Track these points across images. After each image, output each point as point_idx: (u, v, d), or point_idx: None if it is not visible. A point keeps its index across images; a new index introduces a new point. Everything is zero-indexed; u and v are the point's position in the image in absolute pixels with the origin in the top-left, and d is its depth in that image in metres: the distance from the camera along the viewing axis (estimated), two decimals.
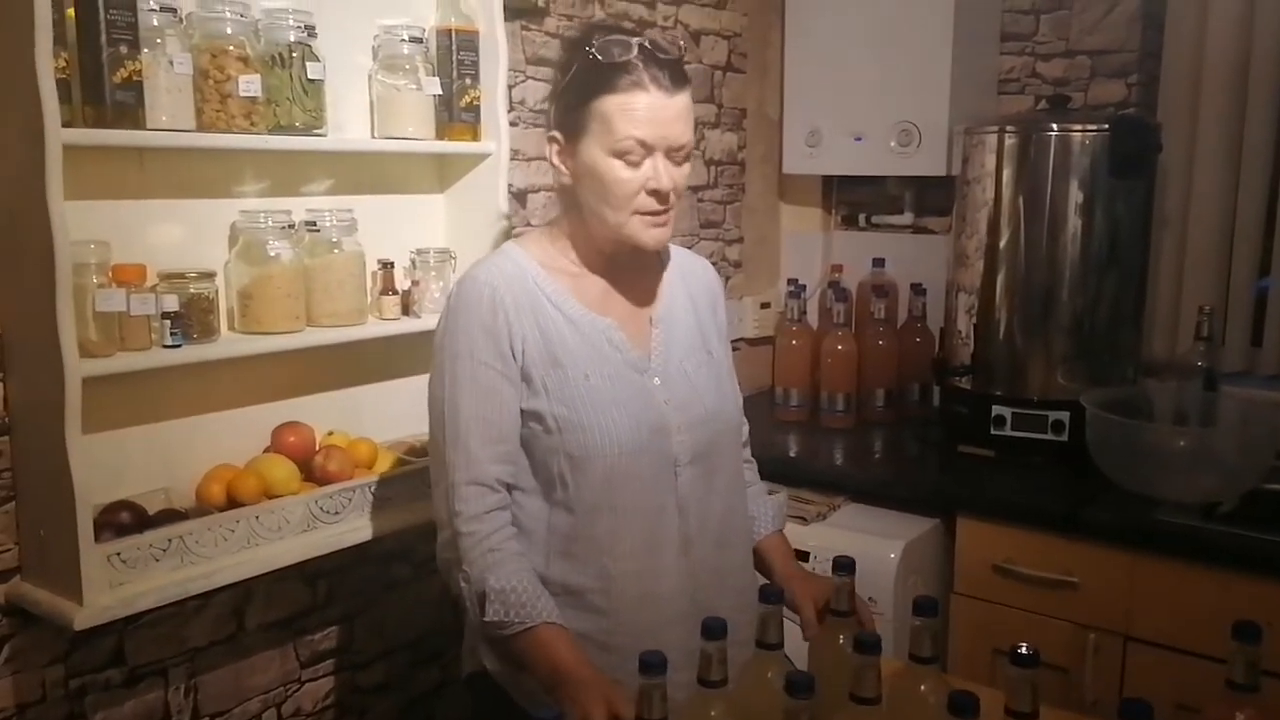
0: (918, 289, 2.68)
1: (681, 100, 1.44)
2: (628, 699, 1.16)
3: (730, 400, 1.64)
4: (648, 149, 1.42)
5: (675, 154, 1.45)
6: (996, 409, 2.27)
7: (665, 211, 1.46)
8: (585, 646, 1.39)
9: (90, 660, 1.63)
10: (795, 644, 1.34)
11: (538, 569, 1.43)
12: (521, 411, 1.44)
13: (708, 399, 1.56)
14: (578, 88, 1.44)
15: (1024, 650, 1.12)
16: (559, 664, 1.32)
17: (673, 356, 1.55)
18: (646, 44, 1.42)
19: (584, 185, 1.47)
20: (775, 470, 2.40)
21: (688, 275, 1.66)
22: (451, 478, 1.41)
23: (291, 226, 1.70)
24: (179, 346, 1.51)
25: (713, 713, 1.12)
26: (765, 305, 2.96)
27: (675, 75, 1.44)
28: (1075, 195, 2.22)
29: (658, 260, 1.62)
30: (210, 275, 1.59)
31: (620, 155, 1.42)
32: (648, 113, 1.40)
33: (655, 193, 1.44)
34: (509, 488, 1.45)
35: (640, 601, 1.47)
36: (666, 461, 1.49)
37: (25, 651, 1.55)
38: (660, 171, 1.43)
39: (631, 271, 1.56)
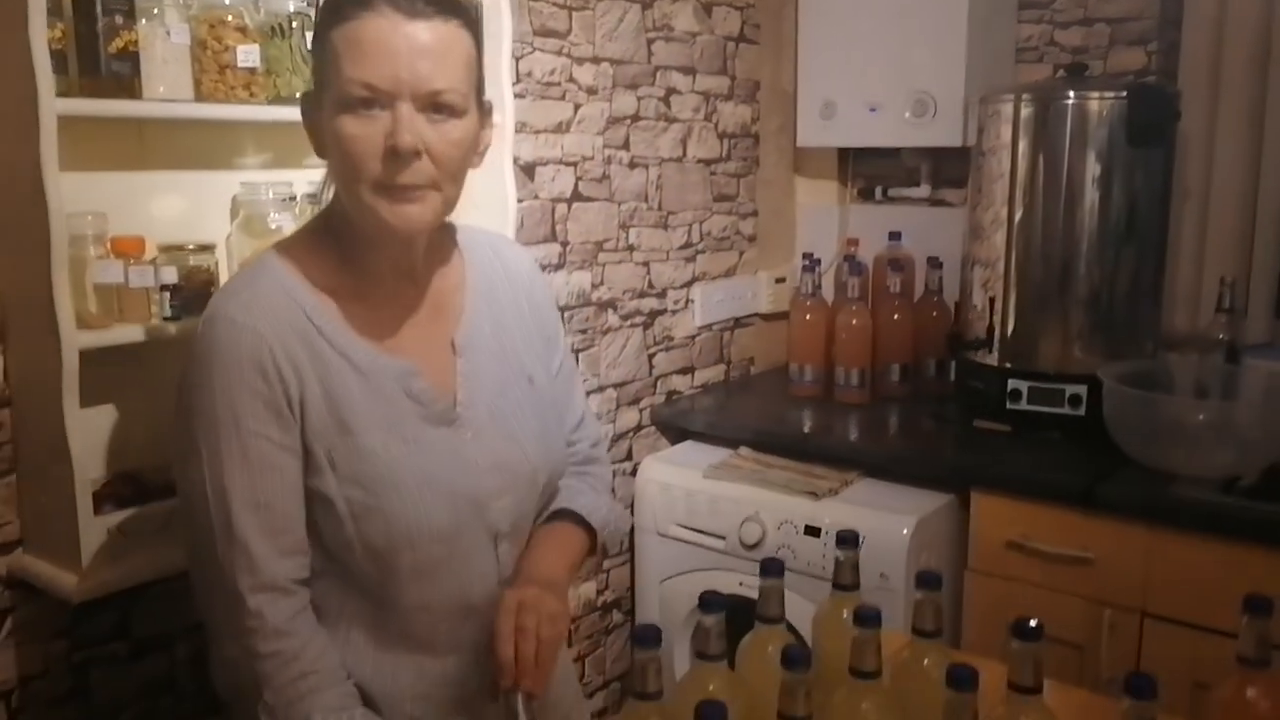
0: (934, 263, 2.64)
1: (438, 29, 1.08)
2: None
3: (558, 444, 1.32)
4: (384, 96, 1.06)
5: (430, 102, 1.08)
6: (1013, 383, 2.24)
7: (415, 186, 1.10)
8: None
9: (94, 633, 1.63)
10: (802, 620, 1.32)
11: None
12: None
13: (531, 450, 1.24)
14: (317, 25, 1.14)
15: (1027, 623, 1.10)
16: None
17: (483, 396, 1.22)
18: None
19: (330, 157, 1.13)
20: (788, 446, 2.39)
21: (491, 275, 1.29)
22: (233, 586, 1.09)
23: (293, 199, 1.69)
24: (178, 319, 1.50)
25: (711, 686, 1.10)
26: (780, 280, 2.93)
27: None
28: (1093, 165, 2.18)
29: (452, 258, 1.27)
30: (210, 248, 1.58)
31: (348, 107, 1.07)
32: (378, 45, 1.05)
33: (393, 153, 1.07)
34: (304, 583, 1.15)
35: (466, 701, 1.21)
36: (486, 537, 1.21)
37: (28, 625, 1.55)
38: (401, 124, 1.06)
39: (418, 281, 1.22)
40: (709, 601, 1.15)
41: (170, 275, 1.50)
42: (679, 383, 2.70)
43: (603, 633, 2.58)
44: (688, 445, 2.59)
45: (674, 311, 2.65)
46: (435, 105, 1.09)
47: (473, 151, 1.17)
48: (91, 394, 1.44)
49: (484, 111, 1.19)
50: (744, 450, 2.45)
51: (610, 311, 2.47)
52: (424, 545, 1.15)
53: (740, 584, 2.18)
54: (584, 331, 2.40)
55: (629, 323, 2.53)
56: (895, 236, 2.69)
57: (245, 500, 1.09)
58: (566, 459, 1.35)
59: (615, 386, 2.51)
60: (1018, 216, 2.26)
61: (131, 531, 1.47)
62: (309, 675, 1.10)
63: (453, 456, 1.18)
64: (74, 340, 1.38)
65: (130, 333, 1.47)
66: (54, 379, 1.38)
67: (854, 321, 2.57)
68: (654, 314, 2.60)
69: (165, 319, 1.50)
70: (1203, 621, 1.84)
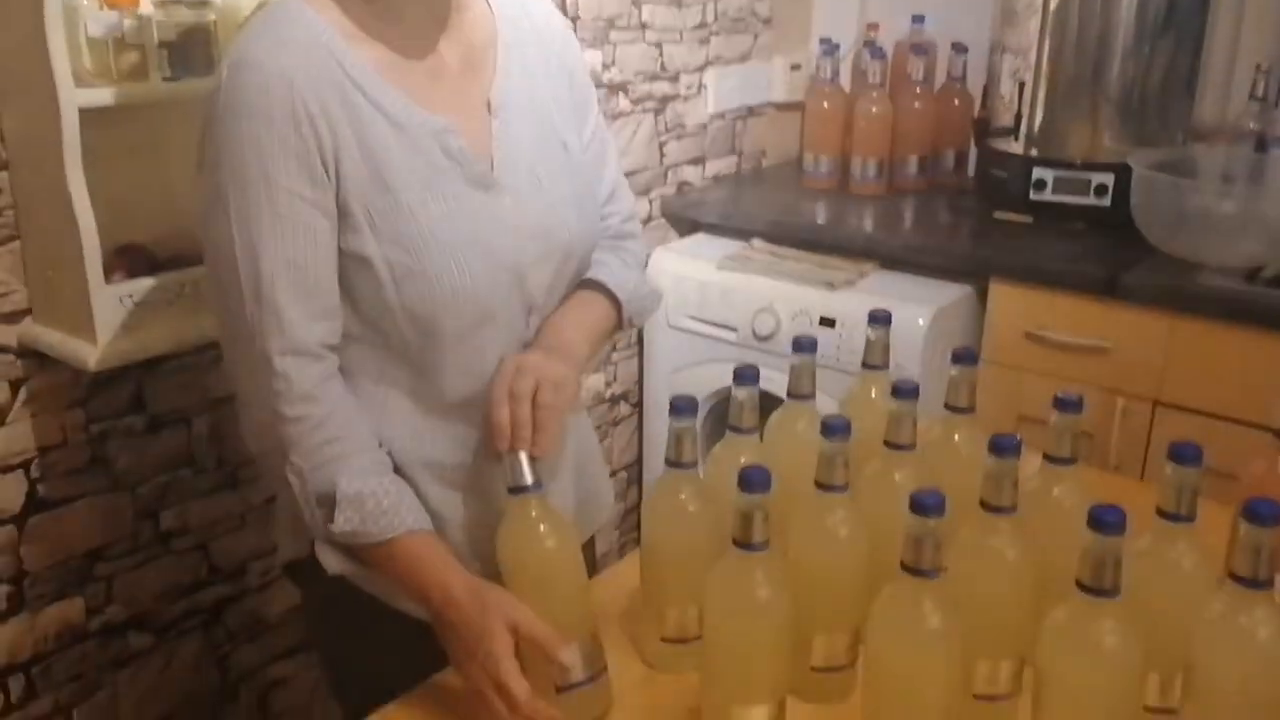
0: (959, 48, 2.52)
1: None
2: (526, 616, 1.00)
3: (594, 214, 1.26)
4: None
5: None
6: (1038, 172, 2.19)
7: None
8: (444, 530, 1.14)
9: (110, 406, 1.61)
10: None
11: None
12: (339, 254, 1.07)
13: (570, 220, 1.19)
14: None
15: (1069, 395, 1.08)
16: (434, 586, 1.05)
17: (520, 160, 1.15)
18: None
19: None
20: (802, 238, 2.35)
21: (520, 33, 1.20)
22: (261, 348, 1.04)
23: None
24: (179, 79, 1.42)
25: (743, 458, 1.09)
26: (795, 67, 2.81)
27: None
28: None
29: (480, 11, 1.18)
30: (206, 2, 1.48)
31: None
32: None
33: None
34: (333, 349, 1.10)
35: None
36: (521, 308, 1.16)
37: (42, 395, 1.54)
38: None
39: (450, 31, 1.14)
40: (743, 374, 1.14)
41: (168, 31, 1.40)
42: (690, 174, 2.63)
43: (610, 424, 2.59)
44: (699, 237, 2.55)
45: (686, 98, 2.55)
46: None
47: None
48: (93, 163, 1.37)
49: None
50: (757, 242, 2.41)
51: (621, 95, 2.38)
52: (463, 310, 1.10)
53: None
54: None
55: (640, 108, 2.43)
56: (918, 20, 2.56)
57: (275, 260, 1.02)
58: (601, 231, 1.29)
59: (625, 175, 2.43)
60: (1054, 2, 2.15)
61: (143, 303, 1.43)
62: (336, 441, 1.07)
63: (493, 222, 1.12)
64: (72, 97, 1.31)
65: (130, 92, 1.39)
66: (54, 139, 1.31)
67: (873, 109, 2.48)
68: (666, 99, 2.50)
69: (165, 79, 1.42)
70: (1216, 409, 1.85)
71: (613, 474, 2.63)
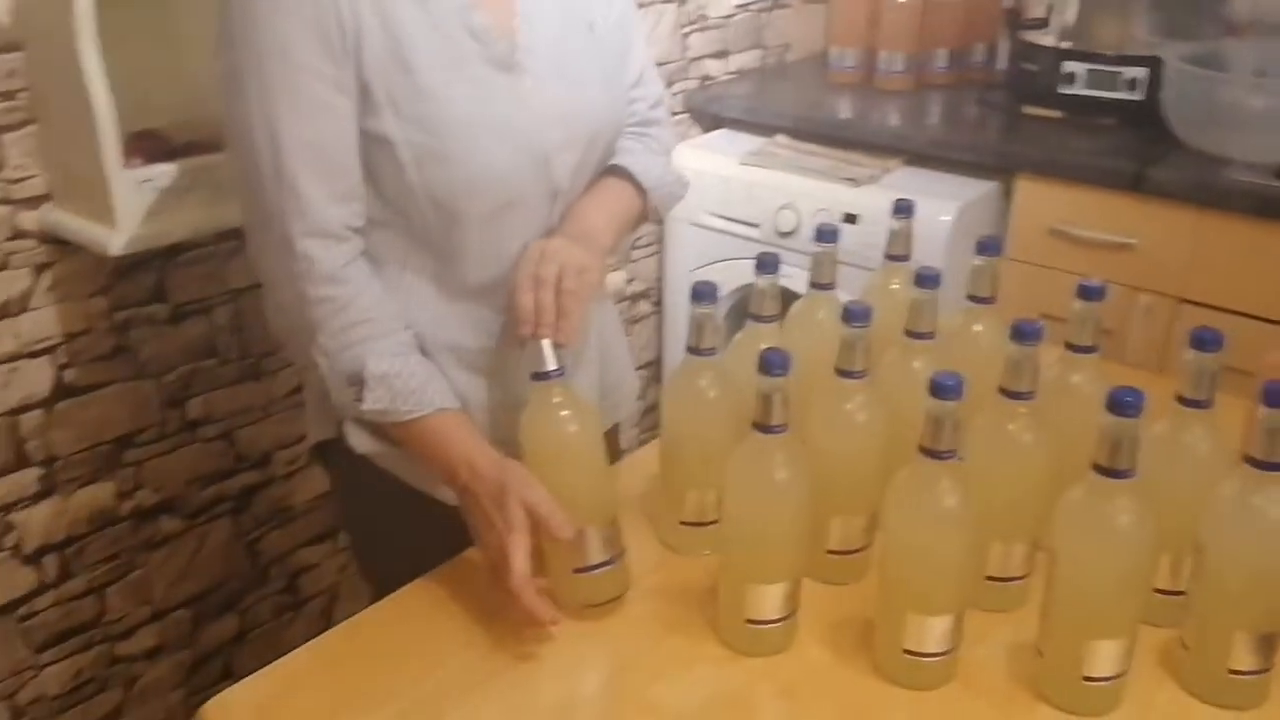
0: None
1: None
2: (540, 495, 1.00)
3: (620, 97, 1.23)
4: None
5: None
6: (1069, 65, 2.14)
7: None
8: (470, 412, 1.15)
9: (132, 295, 1.63)
10: None
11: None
12: (361, 135, 1.06)
13: (597, 102, 1.17)
14: None
15: (1090, 282, 1.07)
16: (460, 462, 1.06)
17: (544, 40, 1.13)
18: None
19: None
20: (824, 133, 2.31)
21: None
22: (282, 230, 1.03)
23: None
24: None
25: (763, 345, 1.09)
26: None
27: None
28: None
29: None
30: None
31: None
32: None
33: None
34: (357, 231, 1.09)
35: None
36: (546, 194, 1.15)
37: (66, 281, 1.55)
38: None
39: None
40: (765, 262, 1.13)
41: None
42: (713, 67, 2.58)
43: (630, 322, 2.59)
44: (722, 133, 2.51)
45: None
46: None
47: None
48: (109, 46, 1.35)
49: None
50: (780, 138, 2.37)
51: None
52: (486, 194, 1.09)
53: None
54: None
55: None
56: None
57: (296, 141, 1.01)
58: (627, 116, 1.26)
59: None
60: None
61: (162, 190, 1.42)
62: (363, 323, 1.07)
63: (516, 104, 1.10)
64: None
65: None
66: (67, 17, 1.29)
67: (900, 0, 2.42)
68: None
69: None
70: (1241, 307, 1.84)
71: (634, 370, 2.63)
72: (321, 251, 1.05)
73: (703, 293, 1.07)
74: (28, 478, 1.59)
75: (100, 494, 1.68)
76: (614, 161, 1.24)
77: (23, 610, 1.64)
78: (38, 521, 1.62)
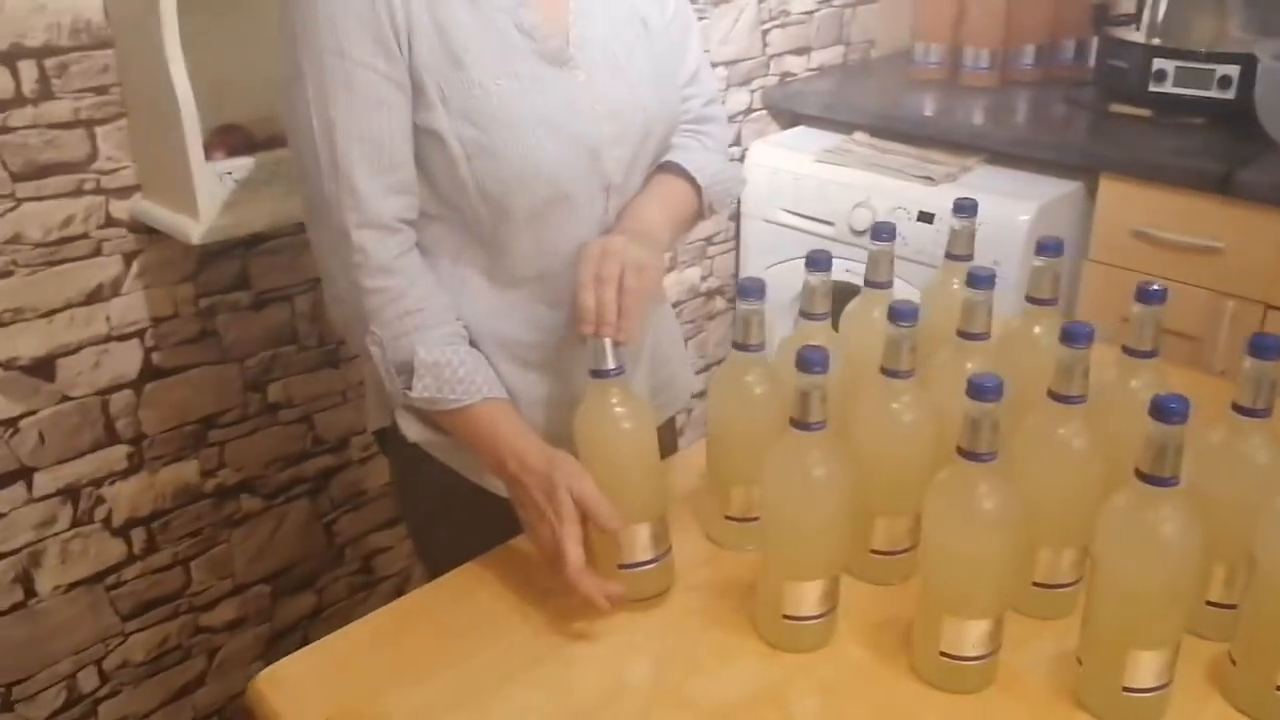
0: None
1: None
2: (589, 489, 1.02)
3: (673, 94, 1.24)
4: None
5: None
6: (1159, 62, 2.08)
7: None
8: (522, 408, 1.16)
9: (217, 282, 1.70)
10: None
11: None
12: (414, 129, 1.09)
13: (646, 97, 1.17)
14: None
15: (1150, 285, 1.05)
16: (508, 452, 1.07)
17: (596, 35, 1.14)
18: None
19: None
20: (904, 130, 2.29)
21: None
22: (338, 222, 1.07)
23: None
24: None
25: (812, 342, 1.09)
26: None
27: None
28: None
29: None
30: None
31: None
32: None
33: None
34: (410, 223, 1.12)
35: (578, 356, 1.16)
36: (598, 188, 1.16)
37: (154, 269, 1.62)
38: None
39: None
40: (816, 259, 1.13)
41: None
42: (793, 64, 2.57)
43: (705, 318, 2.60)
44: (800, 130, 2.50)
45: None
46: None
47: None
48: (194, 45, 1.41)
49: None
50: (859, 135, 2.35)
51: None
52: (537, 189, 1.10)
53: (847, 270, 2.15)
54: (694, 0, 2.27)
55: None
56: None
57: (351, 134, 1.04)
58: (681, 114, 1.27)
59: (726, 65, 2.40)
60: None
61: (243, 181, 1.48)
62: (415, 313, 1.10)
63: (566, 99, 1.11)
64: None
65: None
66: (154, 19, 1.35)
67: None
68: None
69: None
70: None
71: (707, 367, 2.65)
72: (376, 243, 1.08)
73: (749, 289, 1.07)
74: (117, 454, 1.67)
75: (185, 471, 1.75)
76: (669, 158, 1.25)
77: (111, 579, 1.72)
78: (126, 496, 1.70)
